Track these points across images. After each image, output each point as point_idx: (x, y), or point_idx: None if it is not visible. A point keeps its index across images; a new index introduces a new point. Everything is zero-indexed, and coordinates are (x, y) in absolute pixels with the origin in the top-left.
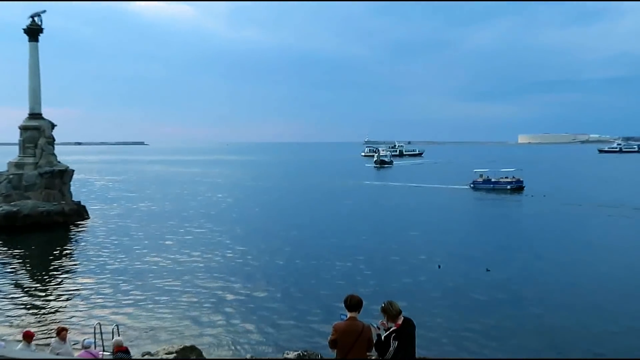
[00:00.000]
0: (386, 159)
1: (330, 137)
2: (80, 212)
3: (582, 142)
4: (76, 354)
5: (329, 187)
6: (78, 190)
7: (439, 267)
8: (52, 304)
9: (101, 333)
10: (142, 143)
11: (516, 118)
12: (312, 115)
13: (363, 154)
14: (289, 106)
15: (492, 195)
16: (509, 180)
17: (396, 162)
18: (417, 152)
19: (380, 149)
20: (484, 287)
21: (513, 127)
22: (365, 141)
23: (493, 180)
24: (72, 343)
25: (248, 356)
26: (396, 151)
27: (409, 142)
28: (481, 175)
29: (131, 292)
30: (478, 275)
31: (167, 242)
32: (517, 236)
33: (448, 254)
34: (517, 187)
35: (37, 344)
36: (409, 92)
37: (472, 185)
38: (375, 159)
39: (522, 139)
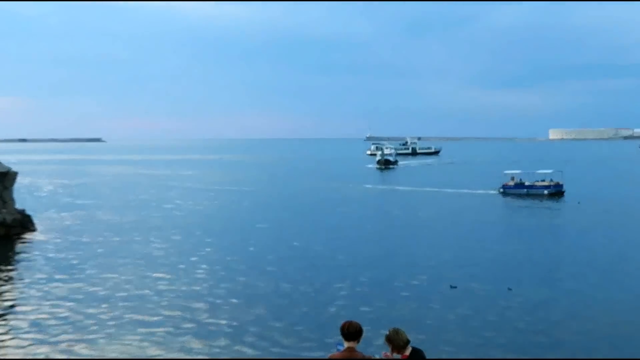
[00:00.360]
0: (391, 159)
1: (326, 133)
2: (24, 223)
3: (625, 137)
4: None
5: (324, 192)
6: (22, 197)
7: (453, 287)
8: None
9: None
10: (99, 140)
11: (547, 109)
12: (304, 107)
13: (369, 152)
14: (276, 95)
15: (526, 202)
16: (546, 184)
17: (407, 161)
18: (433, 150)
19: (384, 146)
20: (506, 309)
21: (543, 119)
22: (367, 137)
23: (527, 183)
24: None
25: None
26: (408, 149)
27: (419, 138)
28: (512, 178)
29: (83, 322)
30: (500, 295)
31: (127, 260)
32: (552, 252)
33: (467, 273)
34: (556, 192)
35: None
36: (421, 77)
37: (501, 189)
38: (378, 158)
39: (553, 134)
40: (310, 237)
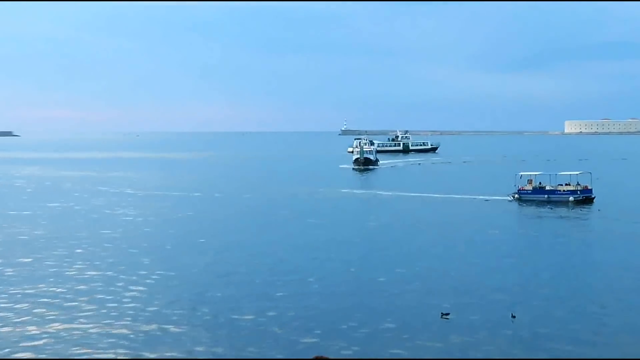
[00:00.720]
0: (372, 157)
1: (299, 125)
2: None
3: None
4: None
5: (290, 199)
6: None
7: (445, 315)
8: None
9: None
10: (10, 134)
11: (562, 96)
12: (269, 93)
13: (350, 149)
14: (238, 79)
15: (547, 210)
16: (571, 188)
17: (396, 160)
18: (429, 147)
19: (363, 141)
20: (508, 340)
21: (557, 109)
22: (343, 130)
23: (548, 187)
24: None
25: None
26: (398, 145)
27: (406, 132)
28: (530, 181)
29: None
30: (502, 323)
31: (41, 285)
32: (575, 274)
33: (463, 299)
34: (584, 199)
35: None
36: (411, 58)
37: (516, 195)
38: (356, 156)
39: (570, 126)
40: (269, 258)
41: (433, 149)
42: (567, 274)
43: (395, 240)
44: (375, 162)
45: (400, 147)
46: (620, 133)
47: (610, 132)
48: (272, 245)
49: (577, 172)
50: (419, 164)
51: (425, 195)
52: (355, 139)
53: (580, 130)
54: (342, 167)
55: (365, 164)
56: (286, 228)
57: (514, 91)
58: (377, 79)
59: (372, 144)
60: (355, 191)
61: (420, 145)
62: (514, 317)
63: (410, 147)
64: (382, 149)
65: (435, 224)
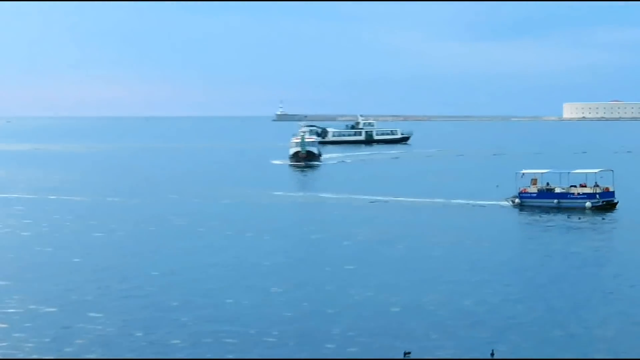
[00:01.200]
0: (314, 150)
1: (217, 108)
2: None
3: None
4: None
5: (206, 204)
6: None
7: (407, 354)
8: None
9: None
10: None
11: (560, 72)
12: (180, 66)
13: (296, 140)
14: (133, 45)
15: (557, 219)
16: (589, 190)
17: (355, 153)
18: (399, 136)
19: (303, 129)
20: None
21: (554, 88)
22: (278, 115)
23: (558, 190)
24: None
25: None
26: (359, 133)
27: (361, 116)
28: (534, 181)
29: None
30: None
31: None
32: (586, 306)
33: (433, 334)
34: (605, 204)
35: None
36: (369, 22)
37: (516, 199)
38: (294, 149)
39: (569, 110)
40: (185, 281)
41: (404, 139)
42: (580, 310)
43: (346, 260)
44: (319, 157)
45: (362, 137)
46: (635, 119)
47: (621, 118)
48: (172, 265)
49: (596, 170)
50: (393, 157)
51: (393, 200)
52: (307, 126)
53: (583, 115)
54: (275, 163)
55: (307, 159)
56: (194, 243)
57: (499, 65)
58: (321, 49)
59: (318, 134)
60: (292, 194)
61: (388, 134)
62: (492, 354)
63: (375, 137)
64: (339, 138)
65: (403, 237)
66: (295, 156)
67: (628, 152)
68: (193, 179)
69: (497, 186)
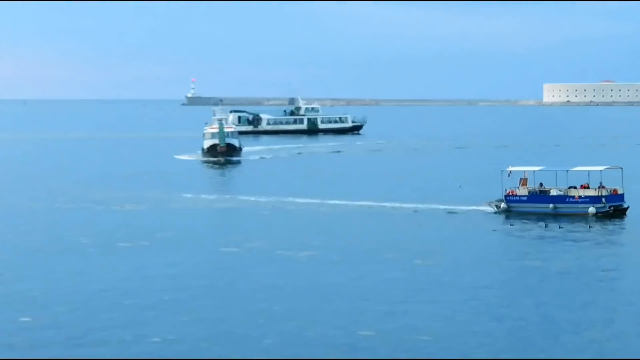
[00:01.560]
0: (235, 142)
1: (111, 89)
2: None
3: None
4: None
5: (92, 209)
6: None
7: None
8: None
9: None
10: None
11: (539, 46)
12: (69, 39)
13: (210, 129)
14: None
15: (555, 228)
16: (592, 193)
17: (294, 145)
18: (349, 125)
19: (219, 115)
20: None
21: (531, 67)
22: (189, 97)
23: (554, 192)
24: None
25: None
26: (300, 121)
27: (302, 100)
28: (524, 181)
29: None
30: None
31: None
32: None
33: None
34: (613, 210)
35: None
36: None
37: (502, 203)
38: (210, 141)
39: (551, 92)
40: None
41: (355, 128)
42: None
43: (265, 286)
44: (240, 151)
45: (305, 125)
46: (629, 103)
47: (614, 102)
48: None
49: (602, 167)
50: (337, 151)
51: (336, 204)
52: (234, 112)
53: (568, 99)
54: (181, 159)
55: (227, 153)
56: (81, 262)
57: (464, 38)
58: (245, 19)
59: (250, 121)
60: (206, 196)
61: (336, 122)
62: None
63: (320, 125)
64: (275, 127)
65: (344, 252)
66: (212, 150)
67: (638, 144)
68: (64, 178)
69: (460, 186)
